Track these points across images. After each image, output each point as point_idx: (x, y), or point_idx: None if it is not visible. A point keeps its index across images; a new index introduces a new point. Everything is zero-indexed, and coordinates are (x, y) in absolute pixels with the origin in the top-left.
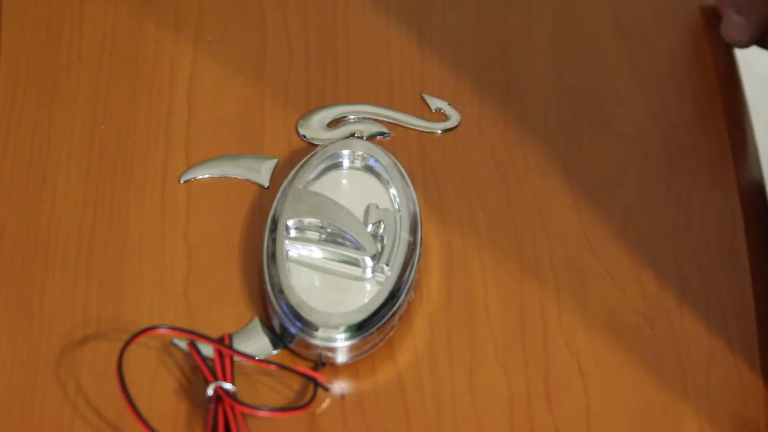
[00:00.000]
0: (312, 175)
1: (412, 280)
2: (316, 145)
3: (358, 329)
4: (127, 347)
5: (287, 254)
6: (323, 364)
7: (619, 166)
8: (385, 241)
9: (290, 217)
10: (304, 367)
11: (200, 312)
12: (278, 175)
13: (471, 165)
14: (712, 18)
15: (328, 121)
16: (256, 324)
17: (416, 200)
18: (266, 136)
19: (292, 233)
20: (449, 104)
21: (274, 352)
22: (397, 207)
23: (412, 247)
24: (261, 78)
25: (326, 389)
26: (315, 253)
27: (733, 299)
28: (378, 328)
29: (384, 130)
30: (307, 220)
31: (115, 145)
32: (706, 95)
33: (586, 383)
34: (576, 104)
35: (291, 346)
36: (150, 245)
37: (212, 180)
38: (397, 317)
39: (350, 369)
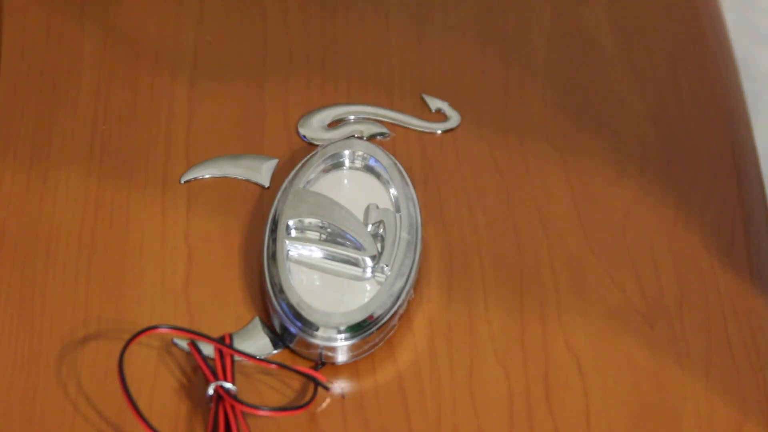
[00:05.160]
0: (312, 175)
1: (412, 280)
2: (317, 145)
3: (358, 329)
4: (128, 347)
5: (288, 254)
6: (323, 364)
7: (619, 166)
8: (385, 241)
9: (291, 217)
10: (304, 367)
11: (201, 311)
12: (279, 175)
13: (471, 165)
14: (712, 18)
15: (328, 122)
16: (257, 324)
17: (416, 200)
18: (266, 136)
19: (293, 233)
20: (449, 104)
21: (275, 351)
22: (397, 207)
23: (412, 247)
24: (261, 78)
25: (326, 389)
26: (315, 253)
27: (732, 299)
28: (378, 328)
29: (384, 130)
30: (307, 220)
31: (115, 146)
32: (706, 95)
33: (586, 383)
34: (576, 104)
35: (291, 345)
36: (151, 245)
37: (213, 180)
38: (397, 317)
39: (350, 368)
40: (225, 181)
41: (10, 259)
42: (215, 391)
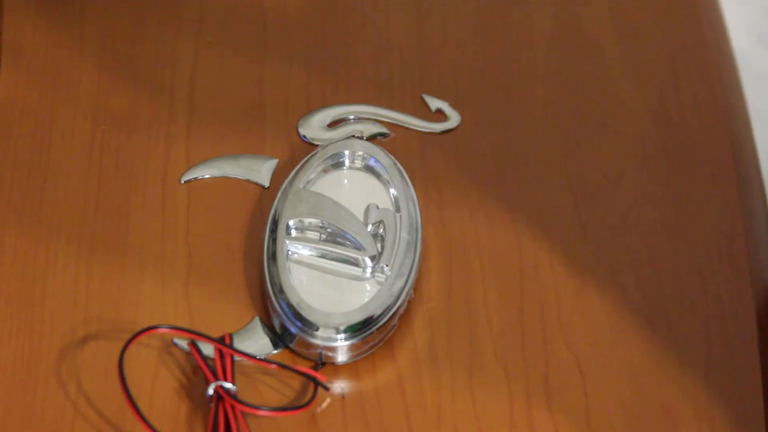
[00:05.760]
0: (312, 175)
1: (412, 280)
2: (317, 145)
3: (358, 329)
4: (128, 347)
5: (288, 254)
6: (323, 364)
7: (619, 166)
8: (385, 241)
9: (291, 217)
10: (304, 367)
11: (201, 311)
12: (279, 175)
13: (471, 165)
14: (712, 18)
15: (328, 122)
16: (257, 324)
17: (416, 200)
18: (266, 136)
19: (293, 233)
20: (449, 104)
21: (275, 351)
22: (397, 207)
23: (412, 247)
24: (261, 78)
25: (326, 389)
26: (315, 253)
27: (732, 299)
28: (378, 328)
29: (384, 130)
30: (307, 220)
31: (116, 146)
32: (706, 95)
33: (586, 383)
34: (576, 104)
35: (291, 345)
36: (151, 245)
37: (213, 180)
38: (397, 317)
39: (350, 368)
40: (225, 181)
41: (10, 259)
42: (215, 391)
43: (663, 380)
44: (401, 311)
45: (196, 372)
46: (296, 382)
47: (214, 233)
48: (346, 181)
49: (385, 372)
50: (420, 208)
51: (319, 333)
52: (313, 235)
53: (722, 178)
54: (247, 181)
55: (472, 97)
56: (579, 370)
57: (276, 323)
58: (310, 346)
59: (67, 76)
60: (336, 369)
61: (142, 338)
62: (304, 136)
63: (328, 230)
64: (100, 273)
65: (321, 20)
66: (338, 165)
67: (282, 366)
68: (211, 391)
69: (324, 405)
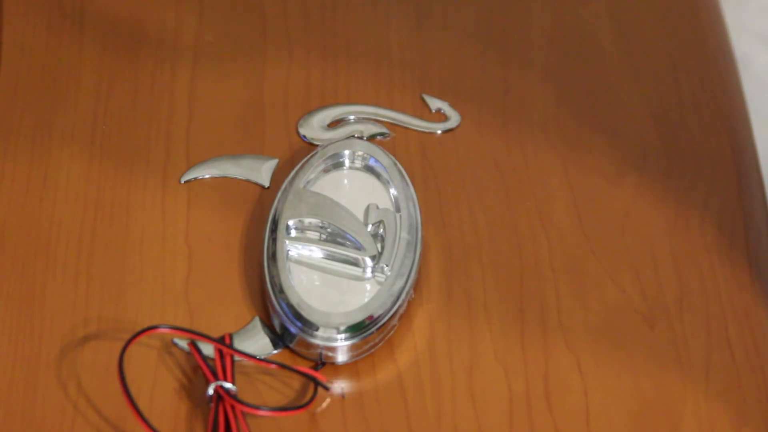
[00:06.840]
0: (312, 175)
1: (412, 280)
2: (317, 145)
3: (358, 329)
4: (128, 347)
5: (288, 254)
6: (323, 364)
7: (619, 166)
8: (385, 241)
9: (291, 217)
10: (304, 367)
11: (201, 311)
12: (279, 175)
13: (471, 165)
14: (712, 18)
15: (328, 122)
16: (257, 324)
17: (416, 200)
18: (266, 136)
19: (293, 233)
20: (449, 104)
21: (275, 351)
22: (397, 207)
23: (412, 247)
24: (261, 78)
25: (326, 389)
26: (315, 253)
27: (732, 299)
28: (378, 328)
29: (384, 130)
30: (307, 220)
31: (116, 145)
32: (705, 95)
33: (586, 383)
34: (576, 104)
35: (291, 345)
36: (151, 245)
37: (213, 180)
38: (397, 317)
39: (350, 368)
40: (225, 181)
41: (10, 259)
42: (215, 391)
43: (663, 380)
44: (401, 311)
45: (196, 372)
46: (296, 382)
47: (214, 233)
48: (346, 181)
49: (385, 372)
50: (420, 208)
51: (319, 333)
52: (313, 235)
53: (722, 178)
54: (247, 181)
55: (472, 97)
56: (579, 370)
57: (276, 323)
58: (310, 346)
59: (67, 76)
60: (336, 369)
61: (142, 338)
62: (304, 136)
63: (328, 230)
64: (101, 273)
65: (321, 20)
66: (338, 165)
67: (282, 366)
68: (211, 391)
69: (324, 405)
